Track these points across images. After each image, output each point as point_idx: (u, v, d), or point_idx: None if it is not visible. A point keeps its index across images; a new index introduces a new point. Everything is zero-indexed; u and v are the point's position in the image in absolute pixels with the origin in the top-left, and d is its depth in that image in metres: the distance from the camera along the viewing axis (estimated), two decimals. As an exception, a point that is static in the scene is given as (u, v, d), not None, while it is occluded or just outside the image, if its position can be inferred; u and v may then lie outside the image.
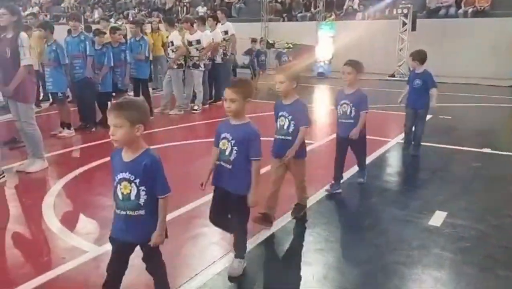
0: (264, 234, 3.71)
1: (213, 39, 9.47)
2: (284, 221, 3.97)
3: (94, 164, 5.69)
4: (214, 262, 3.31)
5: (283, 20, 17.85)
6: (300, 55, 15.88)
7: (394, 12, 14.63)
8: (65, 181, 5.12)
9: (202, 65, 8.89)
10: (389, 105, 9.57)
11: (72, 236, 3.77)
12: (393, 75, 14.27)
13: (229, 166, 3.00)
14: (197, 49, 8.80)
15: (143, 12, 22.20)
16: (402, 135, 6.80)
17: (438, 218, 4.00)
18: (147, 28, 11.74)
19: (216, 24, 9.92)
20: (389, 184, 4.99)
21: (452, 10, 14.74)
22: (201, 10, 19.10)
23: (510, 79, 12.22)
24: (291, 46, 16.42)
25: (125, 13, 22.99)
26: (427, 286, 3.02)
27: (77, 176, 5.30)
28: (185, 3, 20.96)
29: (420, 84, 5.86)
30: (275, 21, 17.86)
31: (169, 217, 4.11)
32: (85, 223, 4.16)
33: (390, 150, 6.31)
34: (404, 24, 14.00)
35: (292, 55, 16.29)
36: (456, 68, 13.67)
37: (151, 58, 11.14)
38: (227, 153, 3.01)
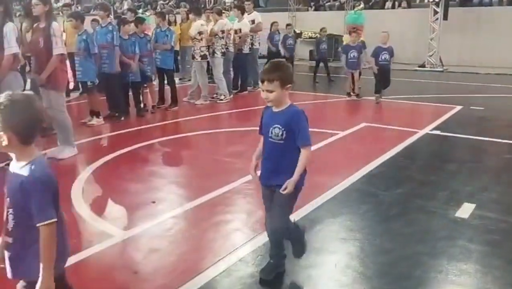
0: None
1: (240, 29, 9.49)
2: (306, 210, 3.96)
3: (122, 151, 5.80)
4: (236, 248, 3.33)
5: (311, 10, 17.65)
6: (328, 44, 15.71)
7: (426, 0, 14.25)
8: (93, 167, 5.25)
9: (218, 53, 8.89)
10: (420, 95, 9.40)
11: (99, 221, 3.87)
12: (423, 65, 13.94)
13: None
14: (221, 37, 8.83)
15: (171, 3, 22.33)
16: (431, 126, 6.67)
17: (466, 210, 3.91)
18: (177, 18, 11.84)
19: (243, 14, 9.91)
20: (417, 174, 4.90)
21: (486, -2, 14.25)
22: (228, 0, 19.08)
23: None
24: (318, 35, 16.23)
25: (153, 4, 23.19)
26: (451, 277, 2.96)
27: (106, 163, 5.42)
28: (212, -7, 20.97)
29: None
30: (303, 11, 17.68)
31: (193, 203, 4.21)
32: (112, 208, 4.26)
33: (418, 141, 6.18)
34: (436, 12, 13.62)
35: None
36: (490, 58, 13.24)
37: (177, 48, 11.39)
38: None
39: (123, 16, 9.06)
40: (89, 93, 7.39)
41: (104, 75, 7.44)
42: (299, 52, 17.31)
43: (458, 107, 7.96)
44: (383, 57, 8.58)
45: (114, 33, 7.30)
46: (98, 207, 4.21)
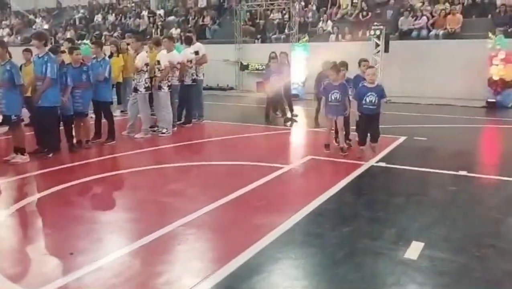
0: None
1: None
2: (245, 257, 3.59)
3: (45, 192, 5.22)
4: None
5: (258, 42, 17.74)
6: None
7: (367, 34, 14.66)
8: (11, 212, 4.64)
9: (165, 87, 8.51)
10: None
11: (3, 281, 3.30)
12: (367, 96, 14.18)
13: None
14: (159, 70, 8.47)
15: (116, 34, 21.84)
16: (377, 158, 6.56)
17: (414, 250, 3.68)
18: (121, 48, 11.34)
19: (190, 45, 9.65)
20: (364, 211, 4.66)
21: (424, 32, 14.84)
22: (175, 32, 18.87)
23: (482, 100, 12.25)
24: (265, 67, 16.27)
25: (98, 34, 22.57)
26: (404, 333, 2.67)
27: (23, 207, 4.81)
28: (159, 25, 20.72)
29: None
30: (250, 43, 17.73)
31: (120, 252, 3.72)
32: (22, 263, 3.68)
33: (364, 173, 6.02)
34: (377, 45, 14.01)
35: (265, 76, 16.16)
36: (430, 89, 13.68)
37: (120, 80, 10.89)
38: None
39: (53, 45, 8.53)
40: (14, 127, 6.74)
41: (38, 108, 6.84)
42: (246, 84, 17.29)
43: (402, 138, 7.97)
44: (367, 100, 6.48)
45: (49, 64, 6.74)
46: (6, 262, 3.62)
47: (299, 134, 9.26)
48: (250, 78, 17.08)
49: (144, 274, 3.39)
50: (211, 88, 16.67)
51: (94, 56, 8.04)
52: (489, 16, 14.57)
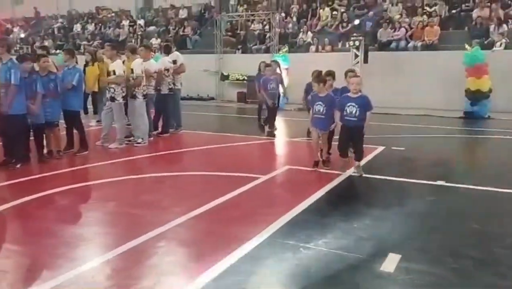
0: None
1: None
2: (215, 272, 3.42)
3: (7, 205, 4.97)
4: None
5: (238, 52, 17.68)
6: (255, 87, 15.67)
7: (347, 45, 14.73)
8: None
9: (140, 96, 8.32)
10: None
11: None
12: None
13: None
14: (133, 78, 8.26)
15: (96, 43, 21.55)
16: (352, 169, 6.46)
17: (391, 262, 3.56)
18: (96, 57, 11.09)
19: (168, 54, 9.52)
20: (340, 222, 4.53)
21: (402, 44, 14.98)
22: (155, 42, 18.70)
23: (460, 110, 12.37)
24: (246, 78, 16.23)
25: (77, 44, 22.24)
26: None
27: (-16, 221, 4.56)
28: (139, 35, 20.53)
29: None
30: (230, 53, 17.67)
31: (80, 269, 3.48)
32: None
33: (342, 183, 5.92)
34: (356, 56, 14.07)
35: (247, 86, 16.10)
36: (408, 99, 13.76)
37: (96, 89, 10.65)
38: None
39: (24, 53, 8.27)
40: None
41: (2, 116, 6.57)
42: (226, 94, 17.18)
43: (381, 148, 7.92)
44: (348, 110, 6.04)
45: (12, 70, 6.51)
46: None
47: (278, 144, 9.15)
48: (231, 89, 17.00)
49: (107, 291, 3.19)
50: (191, 98, 16.52)
51: (66, 64, 7.81)
52: (466, 28, 14.81)
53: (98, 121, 10.67)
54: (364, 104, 6.04)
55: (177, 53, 10.05)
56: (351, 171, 6.31)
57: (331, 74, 6.99)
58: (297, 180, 6.29)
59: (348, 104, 6.06)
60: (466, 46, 12.45)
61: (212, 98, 17.24)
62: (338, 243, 3.98)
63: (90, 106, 10.93)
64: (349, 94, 6.20)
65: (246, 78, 16.23)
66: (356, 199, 5.57)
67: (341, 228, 4.37)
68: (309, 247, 3.91)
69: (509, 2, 14.85)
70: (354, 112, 6.02)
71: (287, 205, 4.93)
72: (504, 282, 3.27)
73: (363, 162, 6.62)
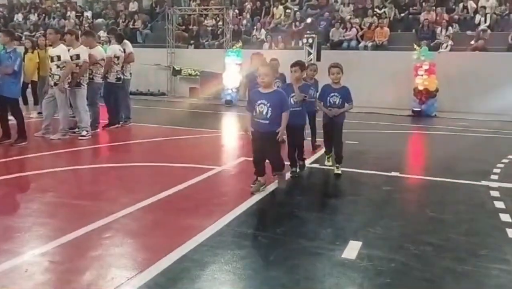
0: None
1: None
2: (171, 260, 3.14)
3: None
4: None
5: (191, 47, 17.28)
6: (208, 82, 15.36)
7: (300, 43, 14.76)
8: None
9: (84, 84, 7.82)
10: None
11: None
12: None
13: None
14: (77, 65, 7.72)
15: (38, 34, 20.35)
16: (311, 159, 6.35)
17: (352, 249, 3.43)
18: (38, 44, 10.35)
19: (120, 42, 9.02)
20: (298, 211, 4.37)
21: (353, 44, 15.22)
22: (103, 34, 17.91)
23: (408, 109, 12.68)
24: (198, 73, 15.87)
25: (17, 35, 20.90)
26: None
27: None
28: (85, 27, 19.61)
29: None
30: (182, 48, 17.23)
31: (11, 263, 3.13)
32: None
33: (296, 176, 5.77)
34: (309, 54, 14.11)
35: (200, 82, 15.75)
36: (359, 97, 13.83)
37: (35, 78, 9.96)
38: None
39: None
40: None
41: None
42: (178, 89, 16.73)
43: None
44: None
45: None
46: None
47: (233, 136, 8.90)
48: (183, 84, 16.56)
49: (46, 284, 2.84)
50: (141, 93, 15.93)
51: (3, 46, 7.18)
52: (413, 30, 15.25)
53: (39, 113, 9.98)
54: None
55: (126, 41, 9.57)
56: (307, 162, 6.18)
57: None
58: (253, 171, 6.07)
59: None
60: (415, 46, 12.80)
61: (163, 94, 16.71)
62: (297, 232, 3.81)
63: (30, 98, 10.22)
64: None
65: (199, 73, 15.88)
66: (312, 190, 5.45)
67: (299, 217, 4.21)
68: (267, 235, 3.71)
69: (454, 7, 15.46)
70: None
71: (243, 196, 4.72)
72: (464, 266, 3.22)
73: (318, 154, 6.53)
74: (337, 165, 5.75)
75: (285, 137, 5.21)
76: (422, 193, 5.31)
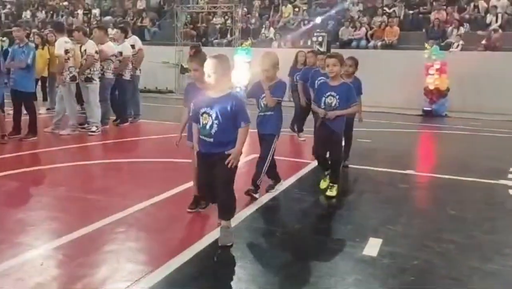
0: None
1: (121, 52, 8.50)
2: (181, 260, 3.06)
3: None
4: None
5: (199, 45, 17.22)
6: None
7: (308, 42, 14.67)
8: None
9: (96, 78, 7.76)
10: (310, 128, 9.15)
11: None
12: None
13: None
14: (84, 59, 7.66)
15: (47, 31, 20.39)
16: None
17: (373, 246, 3.34)
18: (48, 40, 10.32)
19: (126, 37, 8.96)
20: (315, 208, 4.29)
21: (363, 43, 15.09)
22: (111, 32, 17.88)
23: (418, 108, 12.54)
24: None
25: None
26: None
27: None
28: (94, 24, 19.60)
29: None
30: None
31: (24, 257, 3.06)
32: None
33: (312, 172, 5.69)
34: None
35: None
36: (368, 97, 13.76)
37: (45, 74, 9.91)
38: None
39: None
40: None
41: None
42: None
43: (346, 140, 7.78)
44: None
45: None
46: None
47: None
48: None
49: (61, 278, 2.77)
50: (149, 91, 15.88)
51: (17, 42, 7.12)
52: (423, 30, 15.11)
53: (48, 108, 9.96)
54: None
55: (135, 37, 9.52)
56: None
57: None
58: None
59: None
60: (426, 45, 12.67)
61: (171, 91, 16.66)
62: (315, 228, 3.73)
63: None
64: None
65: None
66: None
67: (317, 214, 4.13)
68: (285, 231, 3.63)
69: (465, 6, 15.30)
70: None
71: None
72: (492, 265, 3.12)
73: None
74: (331, 184, 4.55)
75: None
76: (439, 191, 5.19)
